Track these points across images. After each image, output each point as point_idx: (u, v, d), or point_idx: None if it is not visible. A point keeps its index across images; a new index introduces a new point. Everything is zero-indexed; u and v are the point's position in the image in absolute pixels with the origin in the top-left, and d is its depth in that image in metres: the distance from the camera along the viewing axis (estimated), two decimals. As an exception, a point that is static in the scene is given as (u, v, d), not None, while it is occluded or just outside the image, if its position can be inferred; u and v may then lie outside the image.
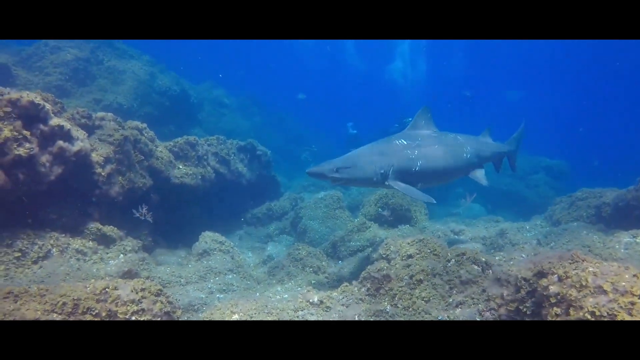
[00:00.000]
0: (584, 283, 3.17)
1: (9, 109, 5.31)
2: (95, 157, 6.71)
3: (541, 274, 3.59)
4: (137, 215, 6.89)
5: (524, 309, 3.73)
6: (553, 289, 3.37)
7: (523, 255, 5.72)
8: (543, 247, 7.50)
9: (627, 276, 3.12)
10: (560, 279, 3.38)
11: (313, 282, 6.88)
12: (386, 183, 6.10)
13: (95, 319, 3.61)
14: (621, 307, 2.92)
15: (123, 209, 7.06)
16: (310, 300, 5.10)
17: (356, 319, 4.57)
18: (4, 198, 5.35)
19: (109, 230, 6.62)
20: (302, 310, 4.96)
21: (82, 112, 7.05)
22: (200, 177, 9.37)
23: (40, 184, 5.75)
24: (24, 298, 3.47)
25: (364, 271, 5.38)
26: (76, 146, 6.19)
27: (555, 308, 3.30)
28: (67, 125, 6.10)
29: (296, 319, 4.77)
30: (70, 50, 13.92)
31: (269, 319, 4.38)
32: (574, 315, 3.10)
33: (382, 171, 6.02)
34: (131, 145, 7.63)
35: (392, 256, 5.36)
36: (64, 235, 6.12)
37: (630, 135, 44.85)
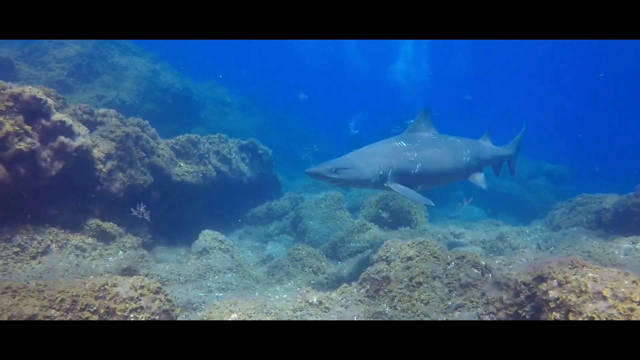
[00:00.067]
0: (583, 288, 3.16)
1: (10, 104, 5.31)
2: (96, 153, 6.71)
3: (541, 279, 3.58)
4: (135, 213, 6.86)
5: (523, 313, 3.72)
6: (552, 293, 3.37)
7: (523, 260, 5.72)
8: (543, 251, 7.49)
9: (626, 282, 3.11)
10: (559, 284, 3.37)
11: (312, 282, 6.88)
12: (385, 185, 6.09)
13: (94, 316, 3.60)
14: (620, 313, 2.92)
15: (123, 206, 7.06)
16: (309, 301, 5.10)
17: (355, 320, 4.56)
18: (5, 193, 5.34)
19: (109, 226, 6.62)
20: (301, 311, 4.96)
21: (84, 107, 7.05)
22: (201, 175, 9.37)
23: (41, 179, 5.75)
24: (22, 293, 3.47)
25: (363, 272, 5.38)
26: (77, 142, 6.19)
27: (554, 313, 3.30)
28: (69, 120, 6.10)
29: (295, 319, 4.77)
30: (74, 46, 13.94)
31: (268, 318, 4.38)
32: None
33: (381, 173, 6.02)
34: (133, 142, 7.62)
35: (392, 258, 5.35)
36: (63, 231, 6.12)
37: (632, 141, 44.79)
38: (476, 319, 4.19)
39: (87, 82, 13.84)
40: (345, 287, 5.36)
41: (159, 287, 4.15)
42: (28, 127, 5.47)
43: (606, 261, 5.97)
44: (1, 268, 5.17)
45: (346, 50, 45.89)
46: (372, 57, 44.20)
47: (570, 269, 3.47)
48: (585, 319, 3.00)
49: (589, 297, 3.10)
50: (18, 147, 5.30)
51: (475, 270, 4.77)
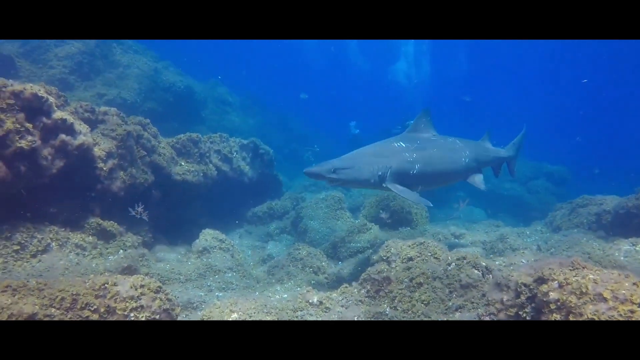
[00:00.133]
0: (584, 290, 3.16)
1: (12, 101, 5.31)
2: (97, 151, 6.71)
3: (541, 280, 3.58)
4: (133, 213, 6.83)
5: (524, 315, 3.72)
6: (553, 295, 3.36)
7: (523, 261, 5.71)
8: (543, 252, 7.49)
9: (627, 284, 3.11)
10: (560, 286, 3.37)
11: (313, 282, 6.88)
12: (383, 185, 6.08)
13: (94, 315, 3.60)
14: (621, 315, 2.91)
15: (124, 205, 7.06)
16: (310, 301, 5.10)
17: (355, 320, 4.56)
18: (5, 191, 5.34)
19: (109, 225, 6.62)
20: (301, 311, 4.96)
21: (85, 106, 7.05)
22: (202, 174, 9.37)
23: (42, 177, 5.75)
24: (22, 292, 3.46)
25: (364, 273, 5.38)
26: (78, 140, 6.19)
27: (555, 314, 3.30)
28: (70, 118, 6.10)
29: (295, 319, 4.77)
30: (75, 44, 13.93)
31: (268, 318, 4.38)
32: (574, 322, 3.10)
33: (380, 173, 6.00)
34: (134, 140, 7.62)
35: (393, 258, 5.35)
36: (63, 229, 6.12)
37: (633, 142, 44.81)
38: (476, 319, 4.19)
39: (89, 80, 13.84)
40: (346, 287, 5.36)
41: (159, 287, 4.15)
42: (29, 125, 5.47)
43: (606, 263, 5.96)
44: (1, 266, 5.17)
45: (347, 50, 45.94)
46: (373, 57, 44.27)
47: (570, 270, 3.47)
48: (586, 320, 3.00)
49: (590, 298, 3.10)
50: (19, 145, 5.29)
51: (476, 271, 4.77)
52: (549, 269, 3.59)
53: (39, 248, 5.66)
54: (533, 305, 3.66)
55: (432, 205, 5.96)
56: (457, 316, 4.41)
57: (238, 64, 50.87)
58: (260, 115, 23.83)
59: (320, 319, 4.80)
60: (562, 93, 47.92)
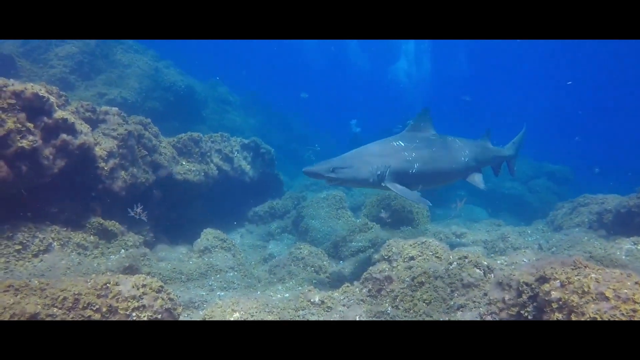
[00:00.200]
0: (586, 289, 3.15)
1: (13, 101, 5.31)
2: (98, 151, 6.71)
3: (543, 279, 3.58)
4: (132, 214, 6.81)
5: (526, 314, 3.72)
6: (555, 294, 3.36)
7: (525, 260, 5.71)
8: (545, 252, 7.49)
9: (629, 283, 3.10)
10: (562, 285, 3.36)
11: (314, 281, 6.88)
12: (382, 184, 6.07)
13: (96, 315, 3.60)
14: (623, 314, 2.91)
15: (125, 204, 7.06)
16: (312, 300, 5.10)
17: (357, 319, 4.56)
18: (7, 190, 5.35)
19: (111, 225, 6.62)
20: (303, 310, 4.96)
21: (86, 105, 7.05)
22: (203, 173, 9.37)
23: (43, 177, 5.75)
24: (25, 292, 3.46)
25: (365, 272, 5.38)
26: (80, 139, 6.19)
27: (556, 313, 3.29)
28: (71, 118, 6.10)
29: (297, 318, 4.78)
30: (76, 43, 13.93)
31: (270, 318, 4.38)
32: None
33: (379, 172, 6.00)
34: (135, 140, 7.63)
35: (394, 258, 5.35)
36: (65, 229, 6.12)
37: (634, 141, 44.78)
38: (478, 319, 4.19)
39: (89, 79, 13.84)
40: (347, 286, 5.36)
41: (161, 286, 4.15)
42: (30, 125, 5.47)
43: (608, 262, 5.96)
44: (3, 266, 5.18)
45: (347, 49, 45.92)
46: (374, 56, 44.26)
47: (572, 269, 3.47)
48: (588, 320, 3.00)
49: (592, 297, 3.09)
50: (20, 144, 5.30)
51: (478, 271, 4.77)
52: (551, 268, 3.59)
53: (41, 248, 5.66)
54: (535, 304, 3.66)
55: (431, 204, 5.96)
56: (459, 315, 4.41)
57: (238, 64, 50.88)
58: (261, 115, 23.83)
59: (322, 318, 4.80)
60: (562, 93, 47.91)
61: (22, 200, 5.62)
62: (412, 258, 5.20)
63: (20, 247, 5.47)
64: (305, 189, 14.05)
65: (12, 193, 5.44)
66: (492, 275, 4.73)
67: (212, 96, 20.71)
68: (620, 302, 2.97)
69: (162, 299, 4.05)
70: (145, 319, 3.84)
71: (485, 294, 4.37)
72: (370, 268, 5.38)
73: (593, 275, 3.26)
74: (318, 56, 48.75)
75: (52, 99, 5.89)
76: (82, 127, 6.40)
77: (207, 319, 4.35)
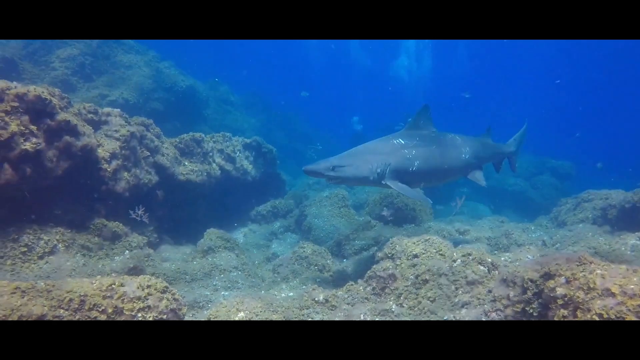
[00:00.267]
0: (591, 285, 3.15)
1: (16, 104, 5.33)
2: (101, 152, 6.72)
3: (548, 276, 3.57)
4: (134, 216, 6.81)
5: (531, 311, 3.71)
6: (560, 290, 3.36)
7: (529, 256, 5.70)
8: (549, 248, 7.48)
9: (635, 279, 3.09)
10: (567, 281, 3.36)
11: (318, 280, 6.87)
12: (383, 182, 6.06)
13: (102, 316, 3.61)
14: (629, 310, 2.90)
15: (129, 205, 7.08)
16: (316, 299, 5.10)
17: (362, 318, 4.56)
18: (11, 193, 5.36)
19: (115, 226, 6.64)
20: (307, 309, 4.96)
21: (88, 107, 7.06)
22: (205, 174, 9.38)
23: (47, 179, 5.77)
24: (31, 293, 3.47)
25: (369, 270, 5.37)
26: (82, 141, 6.20)
27: (562, 310, 3.29)
28: (74, 120, 6.12)
29: (302, 317, 4.77)
30: (77, 45, 13.94)
31: (275, 317, 4.38)
32: (582, 317, 3.08)
33: (379, 170, 5.98)
34: (137, 141, 7.64)
35: (398, 255, 5.34)
36: (69, 230, 6.14)
37: (637, 136, 44.70)
38: (483, 316, 4.18)
39: (91, 81, 13.87)
40: (351, 284, 5.36)
41: (165, 287, 4.16)
42: (33, 127, 5.48)
43: (613, 257, 5.95)
44: (9, 268, 5.20)
45: (348, 47, 45.89)
46: (374, 53, 44.23)
47: (577, 265, 3.46)
48: (594, 316, 2.99)
49: (598, 294, 3.09)
50: (24, 147, 5.31)
51: (482, 268, 4.77)
52: (556, 264, 3.59)
53: (46, 249, 5.68)
54: (540, 301, 3.66)
55: (432, 202, 5.95)
56: (464, 313, 4.40)
57: (239, 63, 50.87)
58: (263, 114, 23.84)
59: (326, 317, 4.80)
60: (563, 89, 47.82)
61: (26, 202, 5.64)
62: (415, 256, 5.20)
63: (25, 249, 5.49)
64: (307, 188, 14.05)
65: (16, 195, 5.46)
66: (497, 272, 4.72)
67: (213, 96, 20.70)
68: (626, 298, 2.96)
69: (167, 300, 4.06)
70: (150, 319, 3.85)
71: (490, 291, 4.36)
72: (374, 266, 5.38)
73: (599, 271, 3.26)
74: (319, 54, 48.79)
75: (55, 101, 5.90)
76: (85, 128, 6.41)
77: (212, 319, 4.35)
